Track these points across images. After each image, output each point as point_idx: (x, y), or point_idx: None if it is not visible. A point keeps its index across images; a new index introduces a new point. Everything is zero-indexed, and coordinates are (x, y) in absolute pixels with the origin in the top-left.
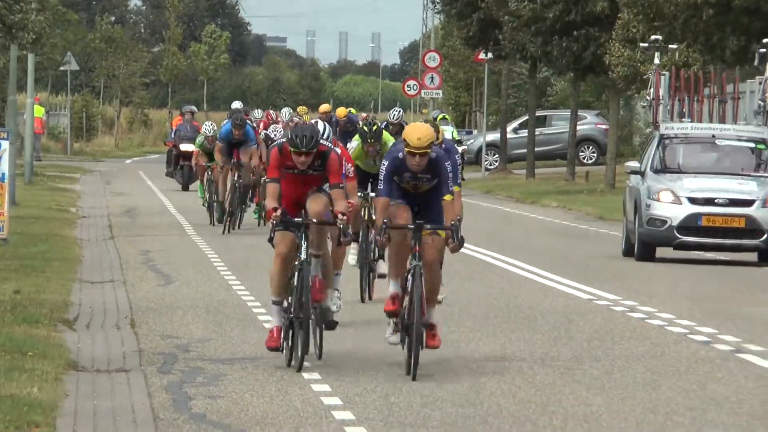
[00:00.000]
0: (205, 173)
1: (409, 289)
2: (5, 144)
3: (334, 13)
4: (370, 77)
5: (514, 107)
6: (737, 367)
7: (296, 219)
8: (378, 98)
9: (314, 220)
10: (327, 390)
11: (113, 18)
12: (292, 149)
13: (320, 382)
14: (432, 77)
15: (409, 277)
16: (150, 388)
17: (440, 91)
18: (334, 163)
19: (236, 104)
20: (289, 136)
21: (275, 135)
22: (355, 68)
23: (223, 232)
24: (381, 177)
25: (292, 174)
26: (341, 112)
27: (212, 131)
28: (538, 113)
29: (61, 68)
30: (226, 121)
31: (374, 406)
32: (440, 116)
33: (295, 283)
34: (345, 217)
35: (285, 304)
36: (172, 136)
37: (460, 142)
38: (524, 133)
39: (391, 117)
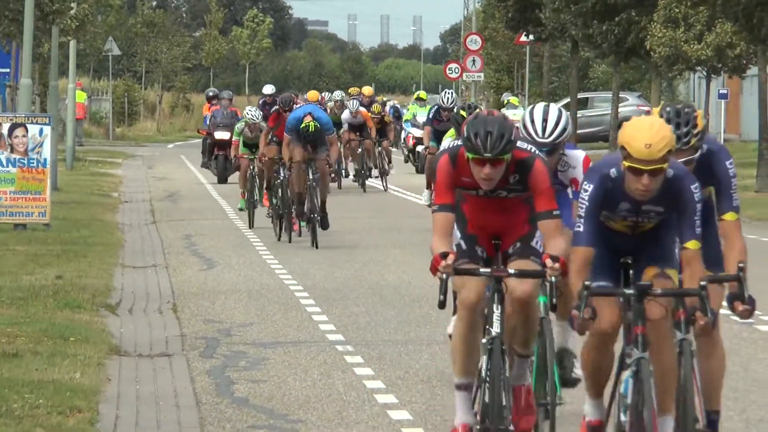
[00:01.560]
0: (248, 169)
1: (630, 400)
2: (47, 129)
3: None
4: (412, 60)
5: (556, 90)
6: None
7: (481, 269)
8: (420, 81)
9: (511, 271)
10: (370, 373)
11: (154, 2)
12: (470, 155)
13: (363, 365)
14: (474, 60)
15: (629, 379)
16: (192, 372)
17: (482, 74)
18: (541, 177)
19: (268, 88)
20: (465, 135)
21: None
22: (397, 51)
23: (289, 240)
24: (579, 211)
25: (475, 197)
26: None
27: (257, 116)
28: (580, 95)
29: (103, 53)
30: (297, 105)
31: (417, 389)
32: (506, 100)
33: (483, 371)
34: (558, 266)
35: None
36: (207, 123)
37: None
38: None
39: (445, 101)
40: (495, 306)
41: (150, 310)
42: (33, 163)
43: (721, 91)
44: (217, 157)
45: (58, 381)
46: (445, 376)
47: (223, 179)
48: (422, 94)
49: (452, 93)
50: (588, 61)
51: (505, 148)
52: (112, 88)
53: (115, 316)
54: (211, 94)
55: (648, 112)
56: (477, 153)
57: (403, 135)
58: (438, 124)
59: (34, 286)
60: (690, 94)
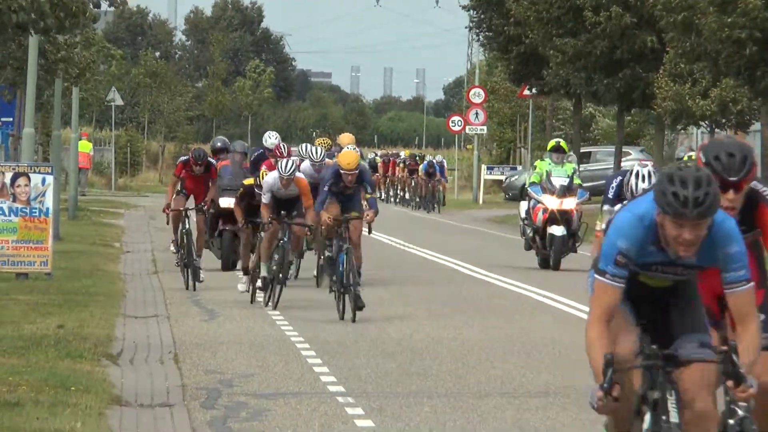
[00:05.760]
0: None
1: None
2: (49, 179)
3: (378, 49)
4: (415, 113)
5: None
6: None
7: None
8: (422, 134)
9: None
10: (371, 426)
11: (158, 53)
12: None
13: (364, 417)
14: (477, 113)
15: None
16: (193, 423)
17: (485, 127)
18: None
19: (271, 136)
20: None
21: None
22: (400, 104)
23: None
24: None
25: None
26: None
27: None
28: (583, 149)
29: (106, 103)
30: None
31: None
32: (687, 156)
33: None
34: None
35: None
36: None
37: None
38: None
39: (643, 178)
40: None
41: (151, 361)
42: (35, 212)
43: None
44: (222, 234)
45: (59, 430)
46: (446, 429)
47: (228, 264)
48: (563, 143)
49: (649, 174)
50: (592, 116)
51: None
52: (115, 138)
53: (116, 366)
54: (219, 144)
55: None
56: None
57: (525, 206)
58: None
59: (36, 335)
60: (693, 150)
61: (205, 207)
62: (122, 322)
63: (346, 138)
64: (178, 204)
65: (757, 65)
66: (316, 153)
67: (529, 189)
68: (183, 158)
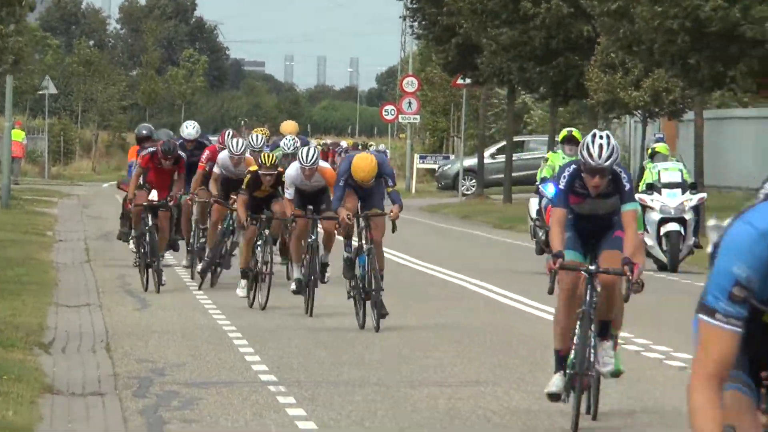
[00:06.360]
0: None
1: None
2: None
3: (312, 38)
4: (348, 102)
5: (493, 133)
6: None
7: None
8: (356, 123)
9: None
10: (302, 414)
11: (92, 42)
12: None
13: (295, 406)
14: (410, 102)
15: None
16: (125, 411)
17: (418, 116)
18: None
19: (188, 126)
20: None
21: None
22: (333, 93)
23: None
24: None
25: None
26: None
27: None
28: (516, 138)
29: (39, 92)
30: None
31: (349, 430)
32: (651, 148)
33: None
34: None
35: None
36: (132, 172)
37: (694, 186)
38: (501, 158)
39: (594, 152)
40: None
41: (83, 350)
42: None
43: (657, 136)
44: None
45: None
46: (377, 417)
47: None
48: (575, 132)
49: (607, 135)
50: (525, 106)
51: None
52: (48, 126)
53: (48, 354)
54: (144, 132)
55: None
56: None
57: (534, 204)
58: (579, 202)
59: None
60: (626, 138)
61: (171, 202)
62: (54, 311)
63: (288, 126)
64: (141, 198)
65: (689, 55)
66: (236, 145)
67: (540, 186)
68: (151, 149)
